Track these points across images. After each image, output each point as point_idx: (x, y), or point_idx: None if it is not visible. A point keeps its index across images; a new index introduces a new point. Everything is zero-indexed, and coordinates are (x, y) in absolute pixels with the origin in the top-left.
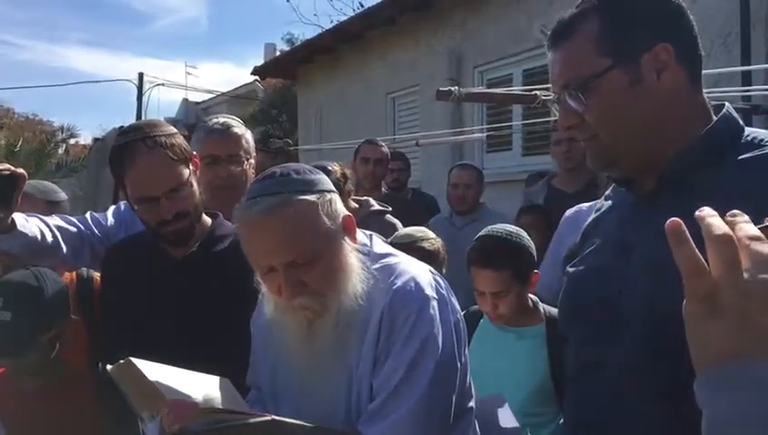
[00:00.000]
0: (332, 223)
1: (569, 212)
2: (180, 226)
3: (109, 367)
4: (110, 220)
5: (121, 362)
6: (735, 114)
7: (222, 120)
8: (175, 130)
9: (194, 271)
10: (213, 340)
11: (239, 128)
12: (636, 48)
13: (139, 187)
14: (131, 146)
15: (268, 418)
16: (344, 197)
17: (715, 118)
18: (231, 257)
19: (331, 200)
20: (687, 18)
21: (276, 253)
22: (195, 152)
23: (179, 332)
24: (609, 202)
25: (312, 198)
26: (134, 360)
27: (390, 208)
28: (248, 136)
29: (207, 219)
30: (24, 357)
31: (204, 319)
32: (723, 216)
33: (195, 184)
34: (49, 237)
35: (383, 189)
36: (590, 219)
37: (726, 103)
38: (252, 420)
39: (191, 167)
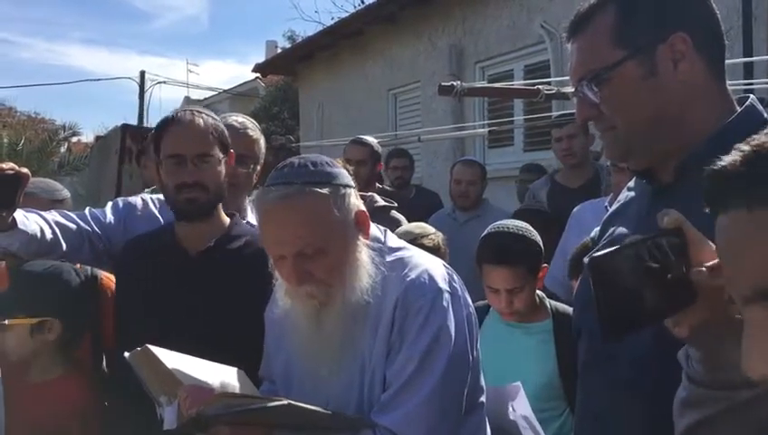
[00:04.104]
0: (344, 217)
1: (576, 209)
2: (196, 195)
3: (126, 354)
4: (110, 217)
5: (138, 349)
6: (760, 107)
7: (242, 119)
8: (220, 121)
9: (209, 267)
10: (227, 335)
11: (255, 132)
12: (651, 39)
13: (173, 142)
14: (180, 112)
15: (284, 402)
16: None
17: (738, 109)
18: (246, 256)
19: (344, 195)
20: (709, 6)
21: (285, 243)
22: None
23: (194, 327)
24: (632, 193)
25: (324, 190)
26: (151, 347)
27: (396, 204)
28: (261, 143)
29: (226, 218)
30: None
31: (218, 315)
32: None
33: (223, 170)
34: (48, 234)
35: (380, 186)
36: (611, 209)
37: (751, 96)
38: (268, 405)
39: (225, 156)
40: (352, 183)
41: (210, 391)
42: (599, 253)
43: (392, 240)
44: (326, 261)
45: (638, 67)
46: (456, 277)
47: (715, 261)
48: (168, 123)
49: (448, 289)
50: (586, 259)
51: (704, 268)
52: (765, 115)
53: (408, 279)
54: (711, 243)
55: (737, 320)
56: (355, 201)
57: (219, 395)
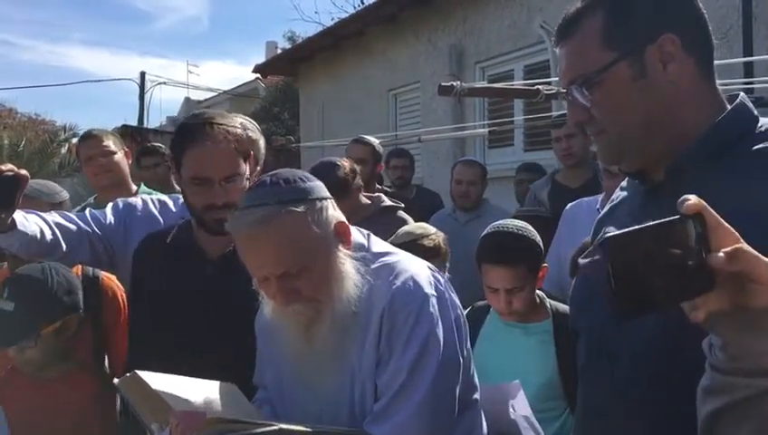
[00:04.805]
0: (323, 232)
1: (569, 207)
2: (225, 215)
3: (116, 380)
4: (110, 218)
5: (128, 375)
6: (750, 105)
7: (241, 120)
8: (240, 125)
9: (228, 271)
10: (244, 340)
11: (255, 133)
12: (640, 41)
13: (198, 166)
14: (201, 127)
15: (275, 427)
16: (354, 193)
17: (728, 108)
18: None
19: (321, 208)
20: (696, 6)
21: (267, 266)
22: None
23: (211, 330)
24: (624, 193)
25: (300, 208)
26: (139, 372)
27: (403, 205)
28: (261, 144)
29: None
30: (23, 346)
31: (236, 319)
32: (735, 205)
33: (246, 182)
34: (48, 235)
35: (379, 187)
36: (604, 210)
37: (741, 93)
38: (259, 431)
39: (247, 164)
40: (328, 194)
41: (202, 416)
42: (616, 232)
43: (376, 245)
44: (311, 278)
45: (628, 69)
46: (441, 279)
47: (734, 247)
48: (190, 138)
49: (434, 293)
50: (581, 260)
51: (722, 254)
52: (755, 112)
53: (394, 287)
54: (732, 229)
55: (756, 308)
56: (333, 213)
57: (210, 420)
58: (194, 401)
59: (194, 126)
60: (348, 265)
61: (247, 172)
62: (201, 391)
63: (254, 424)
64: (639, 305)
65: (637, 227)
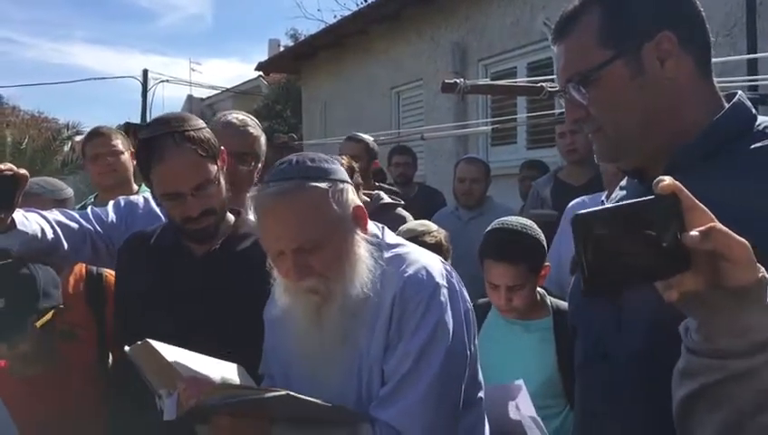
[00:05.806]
0: (342, 212)
1: (571, 205)
2: (206, 223)
3: (126, 348)
4: (111, 216)
5: (139, 342)
6: (748, 103)
7: (242, 117)
8: (204, 125)
9: (216, 269)
10: (233, 338)
11: (256, 130)
12: (637, 38)
13: (165, 182)
14: (159, 140)
15: (283, 393)
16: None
17: (726, 106)
18: (253, 256)
19: (342, 190)
20: (693, 4)
21: (285, 238)
22: (222, 147)
23: (198, 329)
24: (624, 192)
25: (323, 185)
26: (151, 341)
27: (402, 202)
28: (262, 141)
29: (231, 216)
30: (17, 343)
31: (224, 317)
32: (734, 204)
33: (222, 180)
34: (49, 234)
35: (379, 184)
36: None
37: (739, 92)
38: (267, 395)
39: (219, 163)
40: (349, 179)
41: (210, 382)
42: (584, 211)
43: (390, 237)
44: (325, 255)
45: (625, 67)
46: (453, 273)
47: (708, 225)
48: (153, 155)
49: (446, 284)
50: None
51: (696, 232)
52: (753, 111)
53: (406, 275)
54: (706, 209)
55: (730, 288)
56: (353, 196)
57: (218, 386)
58: (203, 371)
59: (153, 140)
60: (362, 248)
61: (221, 175)
62: (210, 364)
63: (262, 389)
64: (611, 284)
65: (609, 205)
